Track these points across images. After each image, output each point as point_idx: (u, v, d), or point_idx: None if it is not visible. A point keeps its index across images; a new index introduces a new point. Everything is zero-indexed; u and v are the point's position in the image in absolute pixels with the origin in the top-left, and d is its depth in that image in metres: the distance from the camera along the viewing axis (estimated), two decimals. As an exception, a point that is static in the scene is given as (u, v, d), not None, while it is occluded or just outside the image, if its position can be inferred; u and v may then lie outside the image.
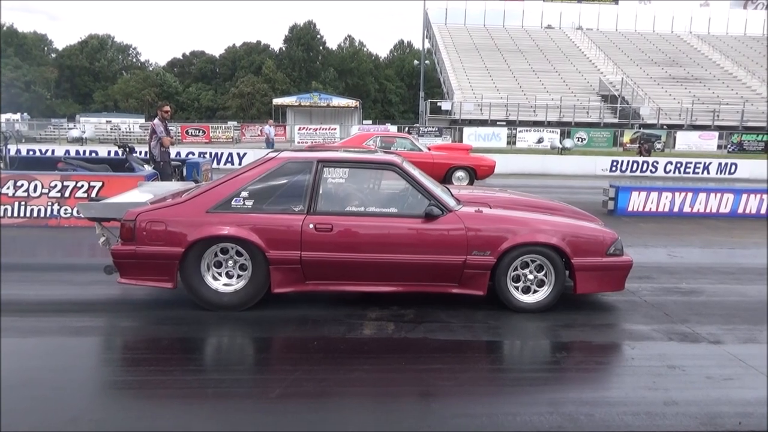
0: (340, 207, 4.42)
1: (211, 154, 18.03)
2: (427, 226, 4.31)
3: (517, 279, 4.43)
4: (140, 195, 4.90)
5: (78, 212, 4.65)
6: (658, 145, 30.05)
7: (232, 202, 4.29)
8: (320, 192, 4.36)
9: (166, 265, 4.22)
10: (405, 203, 4.49)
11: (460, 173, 13.15)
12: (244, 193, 4.31)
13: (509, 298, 4.42)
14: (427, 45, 46.91)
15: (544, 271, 4.43)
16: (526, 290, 4.45)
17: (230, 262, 4.31)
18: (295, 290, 4.34)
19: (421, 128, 32.94)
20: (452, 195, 4.91)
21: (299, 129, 34.46)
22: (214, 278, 4.32)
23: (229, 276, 4.34)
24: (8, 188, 7.60)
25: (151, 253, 4.19)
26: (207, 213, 4.24)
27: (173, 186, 5.71)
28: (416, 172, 4.65)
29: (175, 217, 4.24)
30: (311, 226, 4.23)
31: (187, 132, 33.59)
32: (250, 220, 4.23)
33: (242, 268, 4.32)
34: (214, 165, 15.61)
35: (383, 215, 4.40)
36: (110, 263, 4.34)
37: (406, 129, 32.87)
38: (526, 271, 4.42)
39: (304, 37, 70.97)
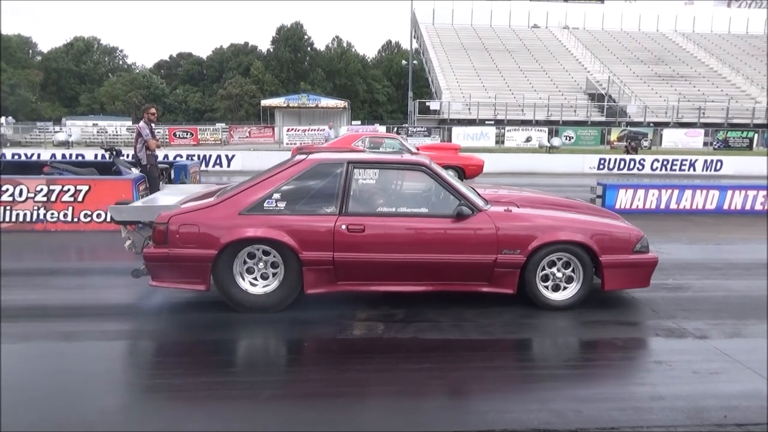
0: (371, 208, 4.42)
1: (199, 156, 17.95)
2: (457, 226, 4.33)
3: (545, 278, 4.46)
4: (169, 198, 4.87)
5: (110, 216, 4.64)
6: (645, 143, 30.27)
7: (265, 204, 4.27)
8: (351, 193, 4.36)
9: (199, 268, 4.18)
10: (434, 203, 4.51)
11: (449, 173, 13.16)
12: (277, 195, 4.30)
13: (538, 296, 4.44)
14: (415, 45, 47.00)
15: (571, 268, 4.46)
16: (555, 288, 4.48)
17: (262, 264, 4.29)
18: (327, 291, 4.33)
19: (409, 128, 32.95)
20: (479, 195, 4.93)
21: (288, 130, 34.29)
22: (248, 281, 4.29)
23: (263, 278, 4.32)
24: (-6, 193, 7.53)
25: (184, 255, 4.16)
26: (240, 215, 4.22)
27: (195, 188, 5.69)
28: (444, 173, 4.67)
29: (208, 219, 4.21)
30: (343, 227, 4.23)
31: (174, 134, 33.38)
32: (282, 221, 4.22)
33: (275, 268, 4.30)
34: (203, 167, 15.54)
35: (414, 215, 4.41)
36: (138, 267, 4.34)
37: (395, 129, 32.86)
38: (554, 269, 4.45)
39: (291, 38, 70.79)
